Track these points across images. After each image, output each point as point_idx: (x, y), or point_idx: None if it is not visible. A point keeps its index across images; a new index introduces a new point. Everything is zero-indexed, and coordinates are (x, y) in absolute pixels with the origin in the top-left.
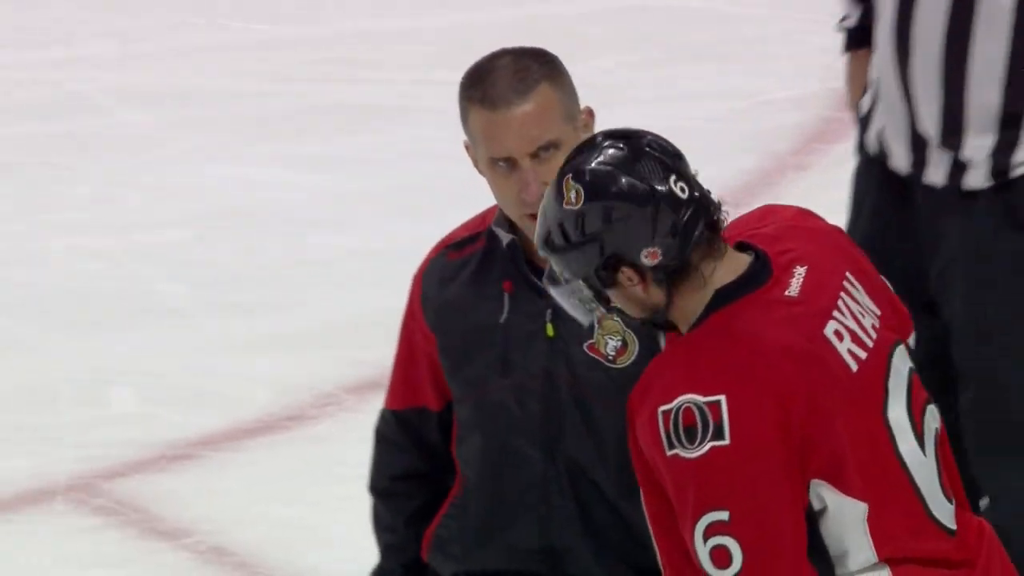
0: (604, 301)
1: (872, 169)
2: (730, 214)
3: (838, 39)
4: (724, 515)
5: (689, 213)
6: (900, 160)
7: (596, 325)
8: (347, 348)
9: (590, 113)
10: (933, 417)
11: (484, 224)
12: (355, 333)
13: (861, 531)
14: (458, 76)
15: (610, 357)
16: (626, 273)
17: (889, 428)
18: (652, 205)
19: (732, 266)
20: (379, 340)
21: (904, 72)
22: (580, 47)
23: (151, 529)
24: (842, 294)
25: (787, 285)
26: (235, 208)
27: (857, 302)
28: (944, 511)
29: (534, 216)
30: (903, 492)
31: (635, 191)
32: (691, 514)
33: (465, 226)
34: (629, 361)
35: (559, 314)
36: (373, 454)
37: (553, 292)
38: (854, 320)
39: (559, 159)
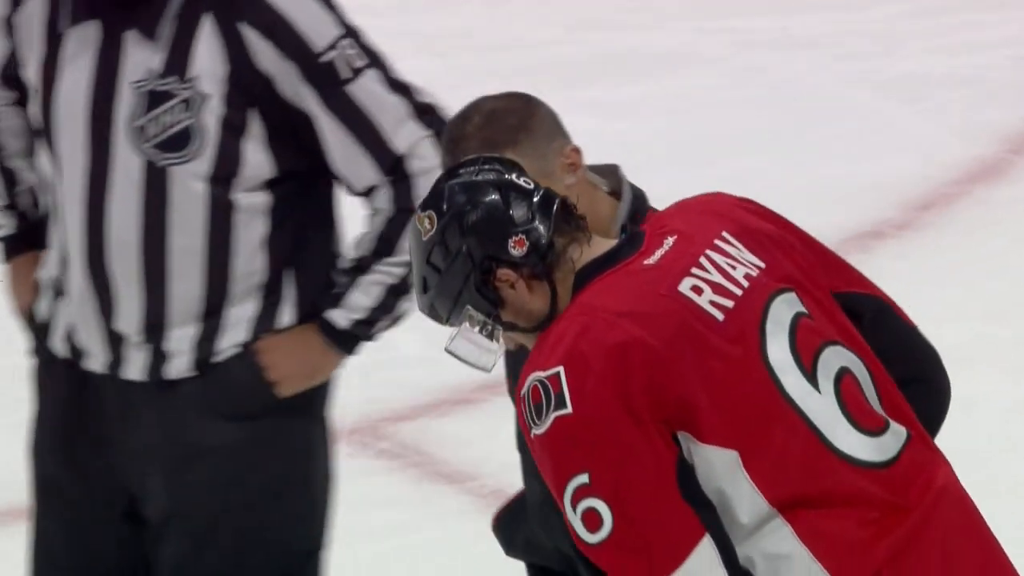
0: (497, 320)
1: (58, 371)
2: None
3: None
4: (584, 478)
5: (540, 196)
6: (95, 360)
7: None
8: None
9: (576, 151)
10: (838, 356)
11: None
12: None
13: (740, 477)
14: (736, 24)
15: None
16: (503, 276)
17: (770, 368)
18: (501, 197)
19: (599, 249)
20: None
21: (98, 269)
22: None
23: (434, 472)
24: (708, 251)
25: (651, 255)
26: None
27: (730, 256)
28: (857, 445)
29: None
30: (792, 430)
31: (481, 191)
32: (557, 487)
33: None
34: None
35: None
36: None
37: (454, 349)
38: (720, 273)
39: None
